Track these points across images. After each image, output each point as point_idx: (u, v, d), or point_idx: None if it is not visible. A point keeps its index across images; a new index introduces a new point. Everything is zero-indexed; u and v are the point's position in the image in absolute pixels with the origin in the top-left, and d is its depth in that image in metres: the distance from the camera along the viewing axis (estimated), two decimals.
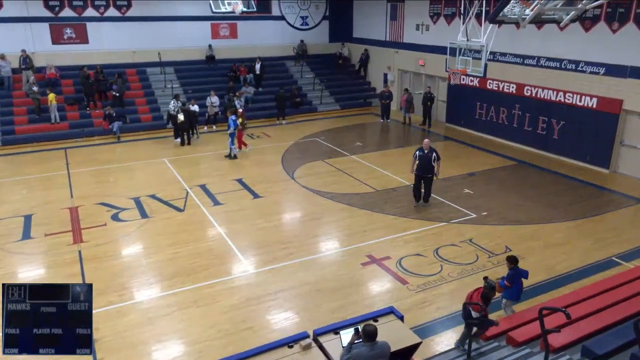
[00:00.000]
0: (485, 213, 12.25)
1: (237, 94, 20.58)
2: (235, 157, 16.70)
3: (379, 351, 5.24)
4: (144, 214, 12.26)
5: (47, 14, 20.84)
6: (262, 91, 23.26)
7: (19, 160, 16.91)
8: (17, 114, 19.28)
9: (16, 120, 19.05)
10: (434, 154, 11.80)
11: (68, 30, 21.39)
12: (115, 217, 12.09)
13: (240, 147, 17.18)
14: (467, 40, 13.67)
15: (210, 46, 23.91)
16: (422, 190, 12.51)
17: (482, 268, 9.62)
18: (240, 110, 17.59)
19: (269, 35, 25.31)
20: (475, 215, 12.12)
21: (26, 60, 19.75)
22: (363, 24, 25.87)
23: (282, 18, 25.60)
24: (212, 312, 8.35)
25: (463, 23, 14.07)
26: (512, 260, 7.68)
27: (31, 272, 9.81)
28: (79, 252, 10.37)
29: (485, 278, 7.14)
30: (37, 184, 14.58)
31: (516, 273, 7.61)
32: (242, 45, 24.64)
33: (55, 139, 18.77)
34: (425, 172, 12.02)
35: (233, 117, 16.47)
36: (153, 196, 13.34)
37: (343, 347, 5.49)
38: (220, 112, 20.39)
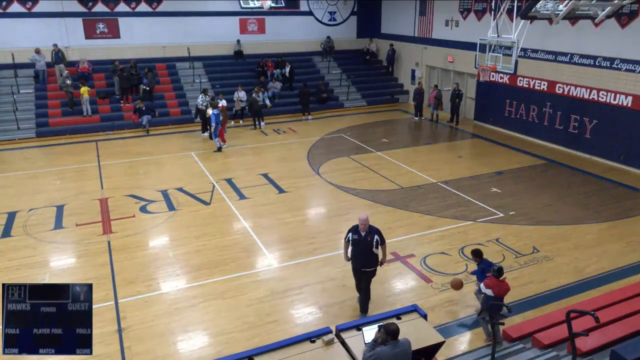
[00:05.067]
0: (512, 212, 12.07)
1: (255, 89, 20.77)
2: (220, 149, 17.04)
3: (401, 349, 5.24)
4: (171, 207, 12.48)
5: (81, 9, 21.34)
6: (287, 87, 23.35)
7: (52, 152, 17.41)
8: (51, 106, 19.82)
9: (50, 112, 19.59)
10: (377, 237, 7.71)
11: (101, 25, 21.86)
12: (143, 209, 12.34)
13: (224, 141, 17.47)
14: (498, 36, 13.44)
15: (238, 41, 24.10)
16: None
17: (509, 268, 9.47)
18: (221, 104, 17.80)
19: (296, 31, 25.37)
20: (502, 215, 11.95)
21: (58, 54, 20.26)
22: (391, 19, 25.68)
23: (310, 13, 25.62)
24: (238, 304, 8.46)
25: (494, 19, 13.83)
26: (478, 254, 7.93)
27: (63, 261, 10.12)
28: (109, 242, 10.62)
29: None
30: (70, 175, 14.99)
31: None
32: (270, 41, 24.78)
33: (87, 132, 19.25)
34: (363, 263, 7.85)
35: (216, 112, 16.72)
36: (180, 189, 13.56)
37: (366, 343, 5.51)
38: (246, 107, 20.56)
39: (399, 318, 6.32)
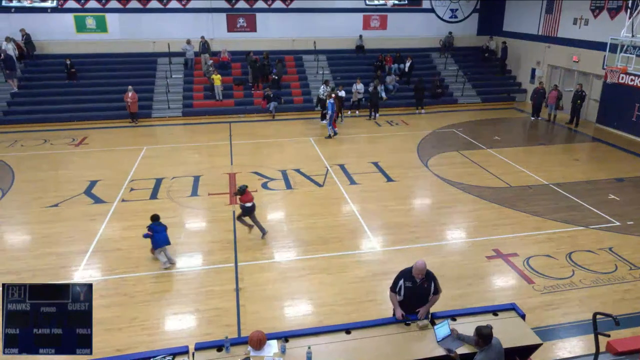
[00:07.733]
0: (631, 222, 10.78)
1: (375, 82, 20.65)
2: (330, 136, 17.27)
3: (496, 354, 5.04)
4: (288, 185, 12.98)
5: (225, 5, 22.77)
6: (404, 81, 22.95)
7: (194, 130, 18.96)
8: (195, 90, 21.53)
9: (194, 95, 21.30)
10: (433, 285, 6.19)
11: (241, 20, 23.17)
12: (264, 186, 12.99)
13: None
14: (632, 36, 11.96)
15: (360, 36, 24.12)
16: None
17: (621, 280, 8.54)
18: (340, 95, 18.05)
19: (416, 27, 24.75)
20: (619, 224, 10.74)
21: (204, 45, 21.89)
22: (515, 17, 23.95)
23: (431, 10, 24.81)
24: (341, 280, 8.61)
25: (629, 17, 12.33)
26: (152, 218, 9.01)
27: (196, 224, 11.03)
28: (233, 212, 11.35)
29: None
30: (205, 151, 16.23)
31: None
32: (390, 36, 24.45)
33: (222, 114, 20.64)
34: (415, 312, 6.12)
35: (331, 101, 16.87)
36: (298, 170, 14.04)
37: (438, 341, 5.52)
38: (364, 99, 20.60)
39: (495, 314, 6.03)
